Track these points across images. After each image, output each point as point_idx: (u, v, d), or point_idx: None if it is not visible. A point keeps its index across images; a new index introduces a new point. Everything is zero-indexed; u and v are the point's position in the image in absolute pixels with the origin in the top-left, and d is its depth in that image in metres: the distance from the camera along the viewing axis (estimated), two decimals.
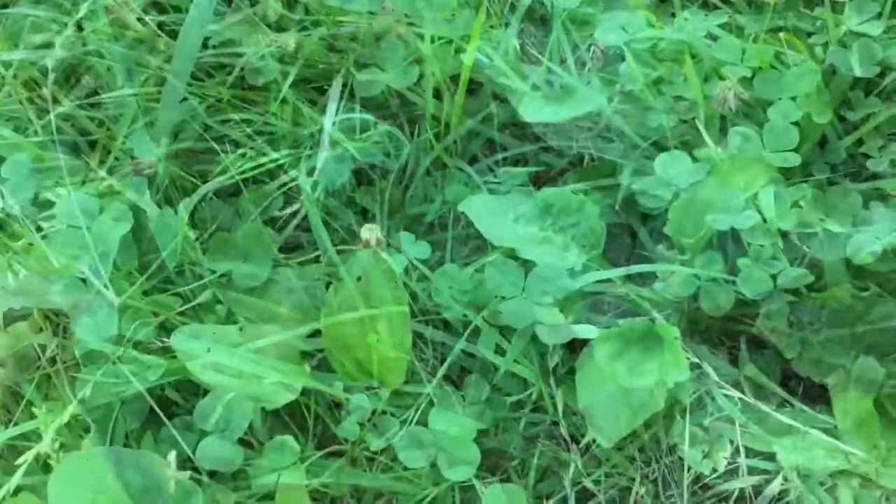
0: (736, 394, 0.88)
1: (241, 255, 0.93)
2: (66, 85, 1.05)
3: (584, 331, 0.78)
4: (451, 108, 0.99)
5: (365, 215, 1.04)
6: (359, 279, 0.74)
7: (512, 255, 0.88)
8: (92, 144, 1.02)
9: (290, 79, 1.01)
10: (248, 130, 1.03)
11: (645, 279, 1.03)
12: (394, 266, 0.73)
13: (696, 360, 0.87)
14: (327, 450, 0.88)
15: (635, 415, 0.78)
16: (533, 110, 0.98)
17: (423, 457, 0.78)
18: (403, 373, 0.75)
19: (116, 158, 1.01)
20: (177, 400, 0.88)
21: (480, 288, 0.89)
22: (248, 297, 0.92)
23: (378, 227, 0.78)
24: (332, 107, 0.94)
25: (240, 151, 1.00)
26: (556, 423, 0.90)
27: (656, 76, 0.97)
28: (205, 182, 0.97)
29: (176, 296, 0.90)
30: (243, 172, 0.99)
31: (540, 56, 1.03)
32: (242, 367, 0.77)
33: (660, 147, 1.04)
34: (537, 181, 1.09)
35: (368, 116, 1.00)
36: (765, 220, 0.87)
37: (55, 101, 0.98)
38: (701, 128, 0.93)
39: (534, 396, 0.94)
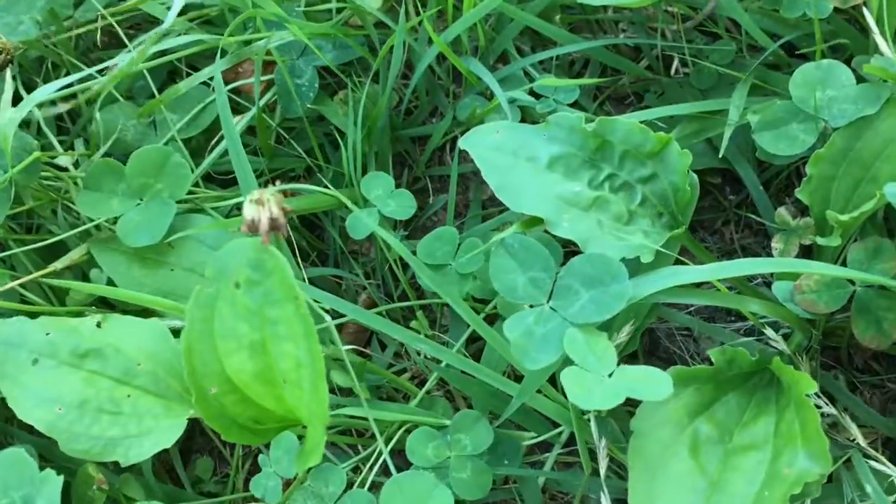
0: (890, 467, 0.53)
1: (134, 192, 0.61)
2: None
3: (651, 388, 0.44)
4: None
5: (334, 141, 0.70)
6: (237, 285, 0.42)
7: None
8: None
9: None
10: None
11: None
12: (285, 268, 0.38)
13: (829, 408, 0.53)
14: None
15: None
16: None
17: None
18: (321, 435, 0.42)
19: None
20: None
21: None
22: (135, 258, 0.60)
23: (275, 194, 0.43)
24: None
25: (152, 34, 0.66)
26: (596, 481, 0.56)
27: None
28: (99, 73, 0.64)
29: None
30: (153, 56, 0.65)
31: None
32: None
33: (798, 53, 0.66)
34: (598, 97, 0.73)
35: None
36: None
37: None
38: (872, 23, 0.55)
39: (563, 438, 0.61)
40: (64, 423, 0.47)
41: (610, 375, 0.46)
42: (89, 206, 0.60)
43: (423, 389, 0.62)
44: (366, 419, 0.59)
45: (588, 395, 0.44)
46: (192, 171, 0.64)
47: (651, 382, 0.45)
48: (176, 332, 0.51)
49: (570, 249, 0.56)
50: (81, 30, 0.69)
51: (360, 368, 0.58)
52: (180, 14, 0.70)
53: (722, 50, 0.67)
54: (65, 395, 0.48)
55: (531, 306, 0.49)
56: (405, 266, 0.68)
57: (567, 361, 0.48)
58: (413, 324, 0.67)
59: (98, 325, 0.50)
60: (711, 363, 0.50)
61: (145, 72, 0.66)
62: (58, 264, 0.58)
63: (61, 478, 0.46)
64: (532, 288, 0.49)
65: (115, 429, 0.48)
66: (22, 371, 0.48)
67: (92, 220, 0.61)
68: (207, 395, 0.44)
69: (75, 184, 0.64)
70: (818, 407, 0.49)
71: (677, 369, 0.48)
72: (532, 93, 0.66)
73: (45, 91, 0.56)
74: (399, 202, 0.59)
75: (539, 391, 0.56)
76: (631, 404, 0.59)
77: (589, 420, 0.54)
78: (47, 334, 0.49)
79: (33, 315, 0.53)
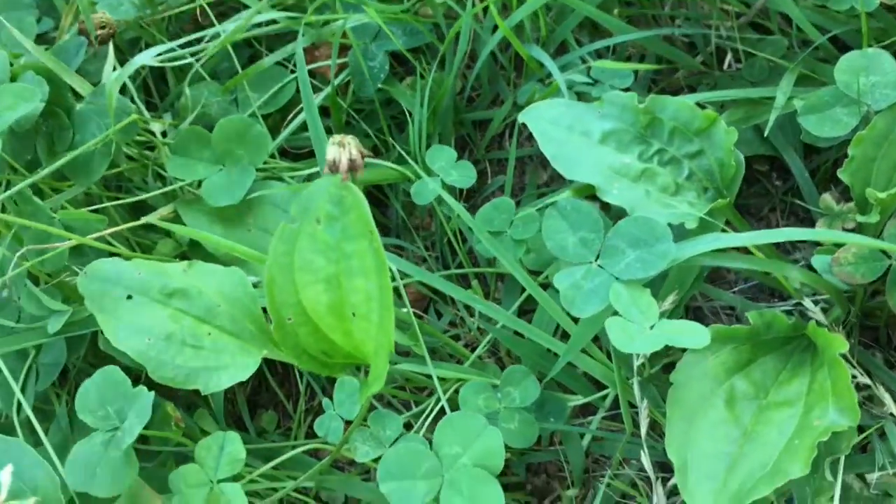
0: None
1: (218, 158, 0.66)
2: None
3: (690, 338, 0.48)
4: None
5: (400, 123, 0.75)
6: (318, 221, 0.46)
7: (593, 194, 0.57)
8: None
9: None
10: None
11: (795, 246, 0.70)
12: (362, 205, 0.43)
13: (864, 379, 0.55)
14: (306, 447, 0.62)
15: (755, 484, 0.47)
16: None
17: (418, 495, 0.51)
18: (385, 364, 0.46)
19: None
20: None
21: (540, 242, 0.60)
22: (217, 218, 0.66)
23: (354, 139, 0.48)
24: None
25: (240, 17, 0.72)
26: (635, 442, 0.60)
27: None
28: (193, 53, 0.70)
29: (113, 207, 0.64)
30: (242, 31, 0.71)
31: None
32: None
33: (844, 46, 0.70)
34: (652, 89, 0.76)
35: None
36: None
37: None
38: None
39: (607, 402, 0.65)
40: (153, 352, 0.52)
41: (652, 328, 0.49)
42: (178, 168, 0.66)
43: (476, 353, 0.66)
44: (422, 375, 0.63)
45: (630, 340, 0.47)
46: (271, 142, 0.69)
47: (690, 333, 0.48)
48: (253, 285, 0.56)
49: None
50: (173, 11, 0.75)
51: (420, 329, 0.63)
52: None
53: (773, 45, 0.71)
54: (154, 328, 0.53)
55: (580, 264, 0.53)
56: (464, 239, 0.72)
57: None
58: (469, 291, 0.71)
59: (184, 269, 0.55)
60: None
61: (230, 49, 0.71)
62: (149, 218, 0.63)
63: (152, 393, 0.51)
64: (581, 247, 0.53)
65: (196, 361, 0.52)
66: (117, 305, 0.53)
67: (179, 182, 0.66)
68: (285, 324, 0.48)
69: (166, 148, 0.70)
70: (853, 377, 0.52)
71: (716, 327, 0.51)
72: (589, 75, 0.70)
73: (147, 55, 0.62)
74: (461, 172, 0.64)
75: (585, 352, 0.60)
76: (671, 370, 0.62)
77: (632, 383, 0.58)
78: (139, 274, 0.54)
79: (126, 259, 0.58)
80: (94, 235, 0.60)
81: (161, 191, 0.67)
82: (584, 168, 0.56)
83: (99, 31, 0.65)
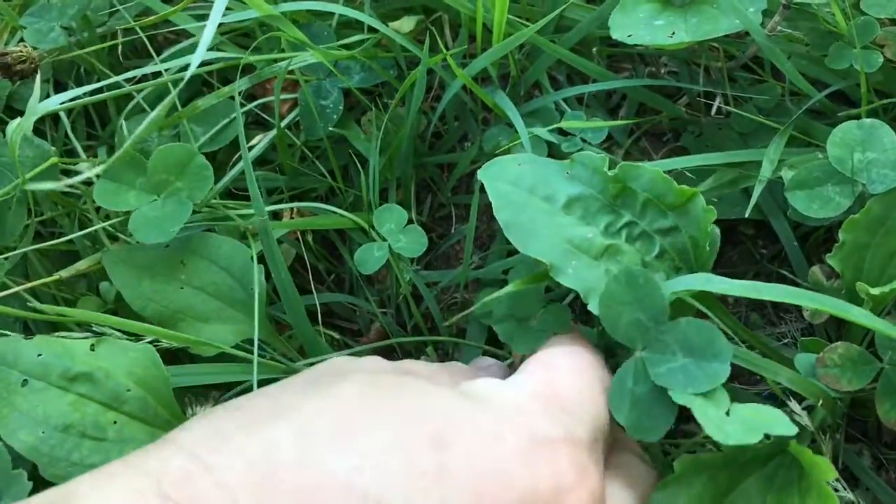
0: None
1: (153, 188, 0.58)
2: None
3: (774, 425, 0.41)
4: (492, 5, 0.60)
5: (357, 163, 0.68)
6: None
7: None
8: None
9: None
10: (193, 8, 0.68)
11: (782, 318, 0.64)
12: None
13: (848, 494, 0.49)
14: None
15: None
16: (631, 24, 0.58)
17: None
18: None
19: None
20: None
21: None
22: (146, 272, 0.59)
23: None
24: None
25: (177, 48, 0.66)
26: None
27: None
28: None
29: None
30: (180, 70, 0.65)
31: None
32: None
33: (844, 102, 0.63)
34: (634, 132, 0.70)
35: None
36: None
37: None
38: None
39: None
40: (46, 447, 0.46)
41: (728, 413, 0.43)
42: (106, 195, 0.58)
43: None
44: None
45: (721, 428, 0.42)
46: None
47: (773, 420, 0.43)
48: (164, 358, 0.50)
49: None
50: (111, 41, 0.69)
51: None
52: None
53: (766, 92, 0.64)
54: (50, 418, 0.47)
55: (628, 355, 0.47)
56: (419, 299, 0.66)
57: None
58: (423, 358, 0.65)
59: (91, 347, 0.50)
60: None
61: (171, 87, 0.65)
62: (63, 273, 0.57)
63: (30, 484, 0.45)
64: (633, 329, 0.46)
65: (96, 455, 0.47)
66: (12, 392, 0.48)
67: (103, 222, 0.59)
68: None
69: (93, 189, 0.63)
70: (836, 490, 0.46)
71: (686, 458, 0.45)
72: (559, 129, 0.63)
73: (55, 100, 0.55)
74: (410, 238, 0.58)
75: None
76: None
77: None
78: (39, 355, 0.48)
79: (35, 323, 0.52)
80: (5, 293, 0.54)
81: (82, 233, 0.60)
82: (540, 241, 0.50)
83: (19, 67, 0.59)
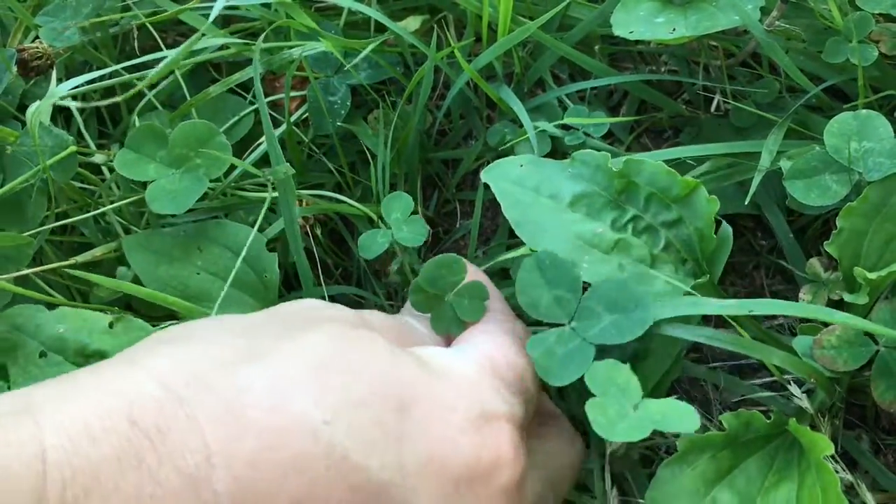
0: None
1: (172, 161, 0.59)
2: None
3: (678, 421, 0.42)
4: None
5: (366, 158, 0.70)
6: None
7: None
8: None
9: None
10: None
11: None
12: None
13: (846, 474, 0.51)
14: None
15: None
16: (633, 21, 0.60)
17: None
18: None
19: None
20: None
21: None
22: (164, 258, 0.60)
23: None
24: None
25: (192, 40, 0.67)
26: None
27: None
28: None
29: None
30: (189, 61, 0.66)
31: None
32: None
33: (840, 97, 0.65)
34: (635, 129, 0.71)
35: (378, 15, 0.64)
36: None
37: None
38: None
39: None
40: None
41: (635, 408, 0.44)
42: (127, 165, 0.59)
43: None
44: None
45: (612, 426, 0.42)
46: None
47: (677, 416, 0.43)
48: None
49: None
50: (124, 41, 0.70)
51: None
52: (223, 26, 0.71)
53: (764, 87, 0.66)
54: None
55: (551, 325, 0.49)
56: None
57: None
58: None
59: (110, 325, 0.51)
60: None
61: (178, 76, 0.66)
62: (79, 258, 0.59)
63: None
64: (556, 307, 0.49)
65: None
66: (29, 361, 0.49)
67: (117, 214, 0.60)
68: None
69: (110, 188, 0.65)
70: (836, 472, 0.47)
71: (689, 438, 0.47)
72: (564, 124, 0.65)
73: (67, 86, 0.57)
74: (411, 229, 0.59)
75: None
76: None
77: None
78: (60, 329, 0.50)
79: (52, 307, 0.54)
80: (10, 276, 0.55)
81: (94, 213, 0.60)
82: (550, 237, 0.51)
83: (35, 63, 0.60)
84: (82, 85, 0.56)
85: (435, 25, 0.71)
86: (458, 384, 0.43)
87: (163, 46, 0.66)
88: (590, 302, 0.49)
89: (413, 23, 0.71)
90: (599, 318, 0.48)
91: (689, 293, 0.51)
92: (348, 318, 0.47)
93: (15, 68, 0.60)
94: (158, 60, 0.65)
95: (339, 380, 0.39)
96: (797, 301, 0.57)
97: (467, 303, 0.51)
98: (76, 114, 0.68)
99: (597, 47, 0.69)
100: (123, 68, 0.61)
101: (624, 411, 0.44)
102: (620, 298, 0.48)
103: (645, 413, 0.43)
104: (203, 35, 0.63)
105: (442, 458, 0.40)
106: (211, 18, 0.55)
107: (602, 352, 0.47)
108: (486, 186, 0.63)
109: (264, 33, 0.65)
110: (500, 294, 0.53)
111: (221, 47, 0.66)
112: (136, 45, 0.68)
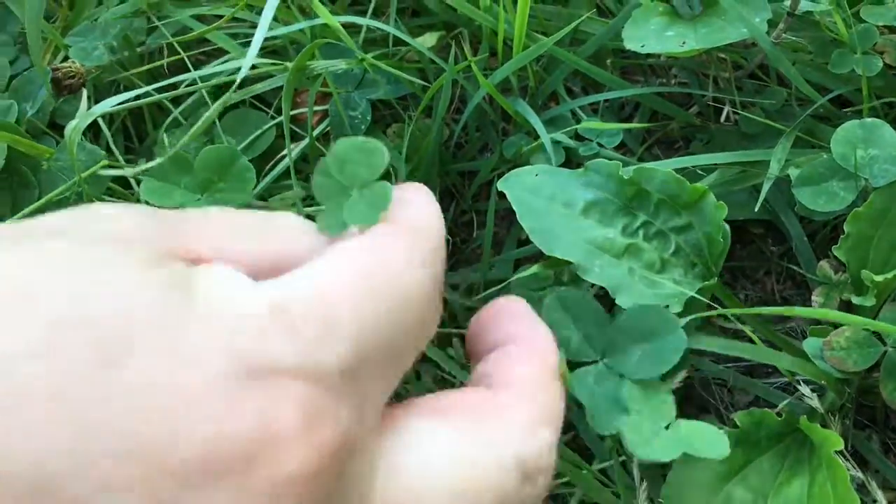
0: None
1: (197, 187, 0.61)
2: None
3: (709, 446, 0.43)
4: (513, 18, 0.64)
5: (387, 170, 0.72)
6: None
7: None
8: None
9: None
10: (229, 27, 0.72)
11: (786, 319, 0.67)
12: None
13: (856, 472, 0.52)
14: None
15: None
16: (643, 35, 0.62)
17: None
18: None
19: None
20: None
21: None
22: None
23: None
24: None
25: (217, 64, 0.70)
26: None
27: None
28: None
29: None
30: (215, 84, 0.69)
31: None
32: None
33: (846, 106, 0.66)
34: (646, 140, 0.73)
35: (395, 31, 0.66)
36: None
37: None
38: None
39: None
40: None
41: (667, 428, 0.45)
42: (154, 192, 0.61)
43: None
44: None
45: (646, 444, 0.44)
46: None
47: (707, 440, 0.44)
48: None
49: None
50: (153, 63, 0.73)
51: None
52: (243, 45, 0.74)
53: (771, 96, 0.68)
54: None
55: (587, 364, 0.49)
56: (444, 299, 0.69)
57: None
58: (450, 350, 0.68)
59: None
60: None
61: (205, 95, 0.69)
62: None
63: None
64: (586, 345, 0.49)
65: None
66: None
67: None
68: None
69: (138, 201, 0.67)
70: (847, 469, 0.49)
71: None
72: (577, 135, 0.67)
73: (103, 106, 0.59)
74: None
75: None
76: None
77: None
78: None
79: None
80: None
81: None
82: (564, 243, 0.53)
83: (68, 82, 0.62)
84: (122, 103, 0.58)
85: (451, 41, 0.74)
86: (222, 325, 0.28)
87: (190, 67, 0.68)
88: (618, 334, 0.48)
89: (430, 39, 0.73)
90: (630, 350, 0.48)
91: (695, 301, 0.53)
92: (125, 230, 0.31)
93: (49, 87, 0.62)
94: (188, 80, 0.68)
95: (32, 306, 0.26)
96: (809, 304, 0.59)
97: (363, 205, 0.37)
98: (105, 129, 0.71)
99: (609, 60, 0.71)
100: (154, 89, 0.63)
101: (657, 430, 0.45)
102: (649, 325, 0.47)
103: (677, 434, 0.44)
104: (231, 59, 0.65)
105: (161, 436, 0.25)
106: (253, 51, 0.57)
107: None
108: (500, 196, 0.65)
109: (300, 55, 0.68)
110: (427, 205, 0.38)
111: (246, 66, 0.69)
112: (165, 66, 0.71)
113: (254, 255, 0.33)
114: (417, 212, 0.37)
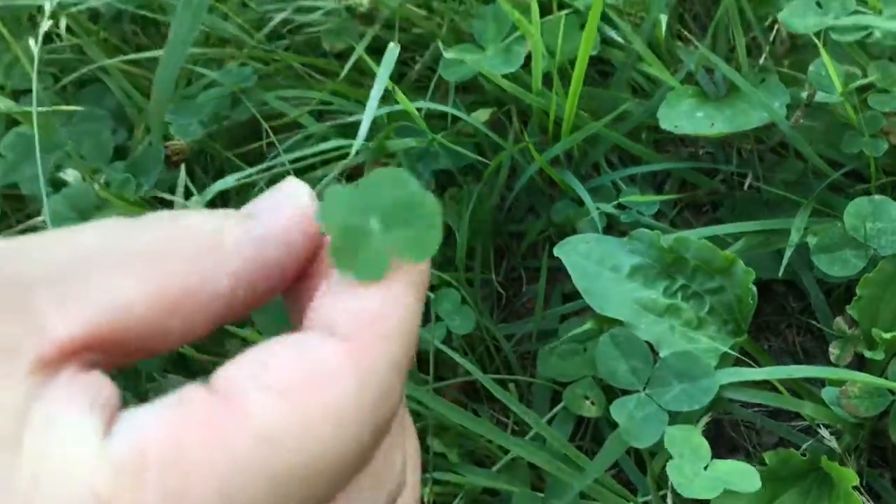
0: None
1: None
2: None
3: (743, 482, 0.53)
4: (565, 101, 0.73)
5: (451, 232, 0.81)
6: None
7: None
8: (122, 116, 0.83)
9: (364, 44, 0.79)
10: (311, 107, 0.81)
11: (812, 362, 0.75)
12: None
13: None
14: None
15: None
16: (676, 116, 0.70)
17: None
18: None
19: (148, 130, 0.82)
20: None
21: (573, 360, 0.65)
22: None
23: None
24: (380, 82, 0.70)
25: (297, 136, 0.79)
26: None
27: (863, 82, 0.67)
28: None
29: None
30: (296, 161, 0.78)
31: (696, 40, 0.75)
32: None
33: (857, 178, 0.75)
34: (677, 204, 0.82)
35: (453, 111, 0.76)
36: None
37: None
38: None
39: None
40: None
41: (706, 468, 0.54)
42: None
43: (508, 456, 0.71)
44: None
45: (689, 484, 0.52)
46: None
47: (741, 476, 0.54)
48: None
49: None
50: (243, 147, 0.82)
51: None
52: (319, 119, 0.83)
53: (789, 169, 0.76)
54: None
55: (630, 393, 0.59)
56: (499, 349, 0.78)
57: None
58: (507, 394, 0.76)
59: None
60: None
61: (289, 168, 0.78)
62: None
63: None
64: (631, 375, 0.59)
65: None
66: None
67: None
68: None
69: None
70: (862, 502, 0.57)
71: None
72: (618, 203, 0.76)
73: (219, 185, 0.69)
74: (462, 317, 0.70)
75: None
76: None
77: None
78: None
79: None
80: None
81: None
82: (614, 303, 0.61)
83: (175, 157, 0.72)
84: (240, 180, 0.68)
85: (501, 116, 0.83)
86: None
87: (276, 143, 0.78)
88: (661, 371, 0.59)
89: (483, 114, 0.83)
90: (671, 385, 0.58)
91: (729, 352, 0.61)
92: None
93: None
94: (272, 155, 0.77)
95: None
96: (828, 354, 0.67)
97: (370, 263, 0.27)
98: (196, 196, 0.80)
99: (644, 136, 0.80)
100: (248, 164, 0.73)
101: (697, 471, 0.54)
102: (687, 368, 0.58)
103: (715, 473, 0.54)
104: (310, 133, 0.74)
105: None
106: (361, 134, 0.66)
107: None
108: (550, 256, 0.73)
109: (381, 135, 0.77)
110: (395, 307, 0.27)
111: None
112: (264, 147, 0.80)
113: (149, 300, 0.24)
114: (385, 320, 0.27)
